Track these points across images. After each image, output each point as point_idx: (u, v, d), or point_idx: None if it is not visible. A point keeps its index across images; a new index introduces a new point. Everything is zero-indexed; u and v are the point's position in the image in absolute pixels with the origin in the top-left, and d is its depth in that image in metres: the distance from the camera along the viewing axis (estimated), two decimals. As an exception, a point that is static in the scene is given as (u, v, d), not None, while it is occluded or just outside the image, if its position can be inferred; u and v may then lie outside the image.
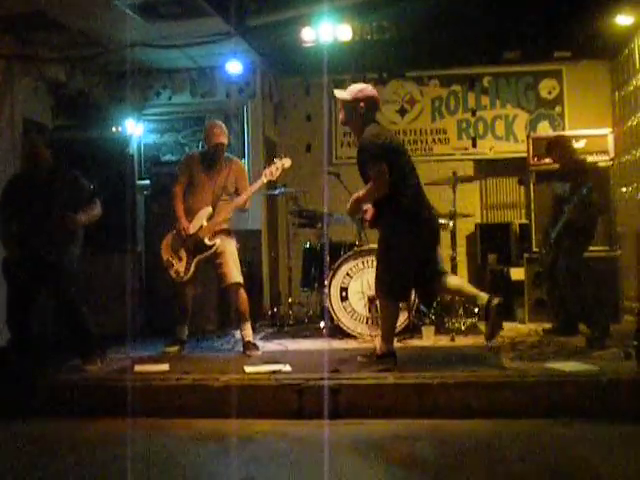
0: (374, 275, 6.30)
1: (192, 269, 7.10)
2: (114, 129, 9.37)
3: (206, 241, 7.05)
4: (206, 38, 8.57)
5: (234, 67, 9.48)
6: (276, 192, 8.78)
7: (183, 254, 7.12)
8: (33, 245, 6.35)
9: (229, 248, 7.16)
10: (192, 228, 7.07)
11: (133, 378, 5.90)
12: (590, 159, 8.18)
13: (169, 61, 9.63)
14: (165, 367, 6.25)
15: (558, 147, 7.64)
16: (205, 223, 7.07)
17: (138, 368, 6.23)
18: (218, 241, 7.07)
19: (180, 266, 7.12)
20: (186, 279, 7.13)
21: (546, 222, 7.66)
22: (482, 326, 8.07)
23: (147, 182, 9.54)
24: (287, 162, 7.21)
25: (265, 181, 7.16)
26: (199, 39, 8.60)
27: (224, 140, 7.22)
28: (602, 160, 8.63)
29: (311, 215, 8.79)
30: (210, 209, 7.10)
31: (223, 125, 7.33)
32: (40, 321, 6.80)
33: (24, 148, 6.96)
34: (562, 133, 9.57)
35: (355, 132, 6.39)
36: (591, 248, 7.53)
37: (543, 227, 7.82)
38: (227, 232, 7.23)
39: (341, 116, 6.36)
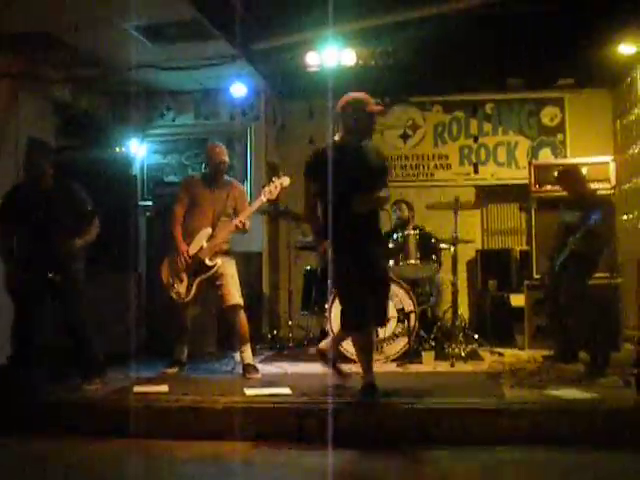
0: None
1: (193, 290, 7.09)
2: (118, 149, 9.42)
3: (207, 262, 7.05)
4: (211, 61, 8.63)
5: (238, 90, 9.53)
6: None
7: (184, 275, 7.11)
8: (37, 262, 6.37)
9: (229, 269, 7.16)
10: (192, 249, 7.08)
11: (132, 399, 5.89)
12: (592, 187, 8.18)
13: (174, 83, 9.69)
14: (164, 388, 6.24)
15: (569, 177, 7.65)
16: (205, 244, 7.08)
17: (137, 389, 6.22)
18: (219, 261, 7.08)
19: (181, 287, 7.11)
20: (187, 300, 7.13)
21: (550, 248, 7.66)
22: (482, 352, 8.13)
23: (149, 203, 9.57)
24: (286, 181, 7.22)
25: (265, 200, 7.16)
26: (204, 62, 8.66)
27: (226, 158, 7.28)
28: (604, 188, 8.65)
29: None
30: (209, 230, 7.11)
31: (224, 146, 7.41)
32: (41, 339, 6.79)
33: (27, 161, 6.95)
34: (565, 161, 9.61)
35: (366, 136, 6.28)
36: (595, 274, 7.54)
37: (547, 253, 7.82)
38: (227, 253, 7.24)
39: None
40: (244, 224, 7.10)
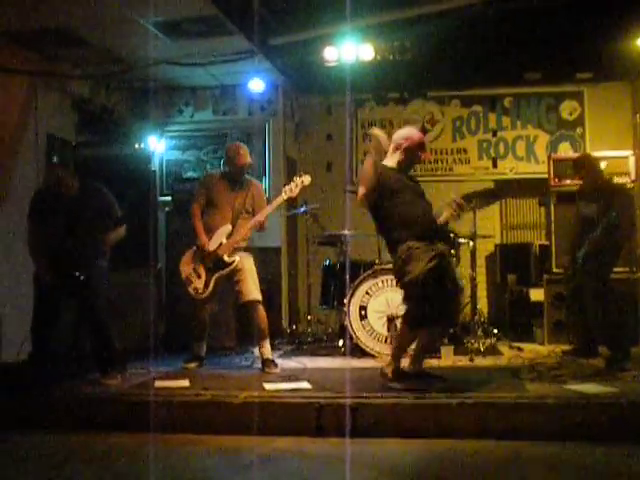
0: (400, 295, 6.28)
1: (211, 286, 7.12)
2: (137, 146, 9.44)
3: (225, 258, 7.07)
4: (229, 56, 8.65)
5: (256, 85, 9.54)
6: (301, 210, 8.88)
7: (202, 271, 7.14)
8: (62, 261, 6.41)
9: (248, 265, 7.18)
10: (212, 245, 7.11)
11: (152, 393, 5.92)
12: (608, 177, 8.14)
13: (192, 79, 9.71)
14: (185, 383, 6.27)
15: (586, 166, 7.61)
16: (224, 240, 7.10)
17: (159, 384, 6.25)
18: (237, 258, 7.10)
19: (199, 283, 7.14)
20: (205, 296, 7.16)
21: (571, 242, 7.64)
22: (501, 347, 8.12)
23: (168, 199, 9.59)
24: (307, 179, 7.24)
25: (285, 198, 7.19)
26: (222, 57, 8.68)
27: (250, 160, 7.34)
28: (623, 182, 8.60)
29: (333, 237, 8.81)
30: (229, 226, 7.13)
31: (246, 146, 7.44)
32: (62, 334, 6.84)
33: (49, 179, 7.02)
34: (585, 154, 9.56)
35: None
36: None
37: (568, 247, 7.80)
38: (245, 249, 7.27)
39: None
40: (262, 223, 7.12)
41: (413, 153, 6.19)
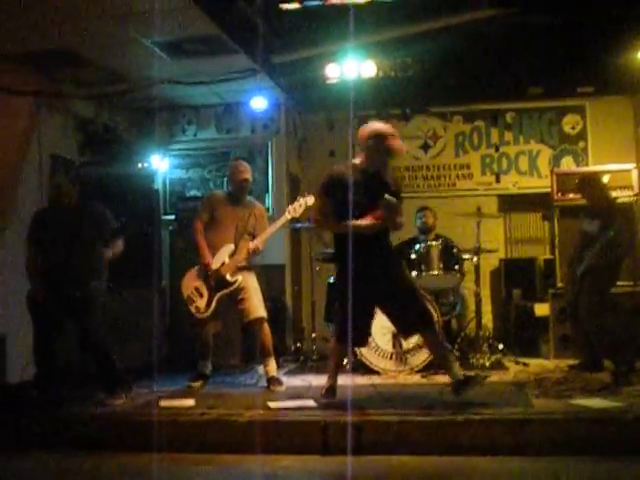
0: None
1: (213, 305, 7.13)
2: (140, 165, 9.47)
3: (228, 277, 7.08)
4: (231, 75, 8.66)
5: (259, 103, 9.56)
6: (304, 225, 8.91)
7: (204, 290, 7.15)
8: (59, 280, 6.42)
9: (251, 283, 7.20)
10: (214, 265, 7.12)
11: (158, 413, 5.91)
12: (614, 194, 8.15)
13: (195, 97, 9.74)
14: (191, 402, 6.25)
15: (589, 185, 7.63)
16: (227, 260, 7.11)
17: (164, 403, 6.24)
18: (240, 277, 7.11)
19: (201, 302, 7.15)
20: (207, 315, 7.17)
21: (571, 258, 7.65)
22: (507, 362, 8.11)
23: (172, 217, 9.61)
24: (310, 200, 7.23)
25: (289, 218, 7.21)
26: (225, 76, 8.70)
27: (249, 177, 7.34)
28: (626, 195, 8.62)
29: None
30: (232, 246, 7.15)
31: (247, 164, 7.47)
32: (66, 355, 6.84)
33: (51, 191, 7.07)
34: (587, 169, 9.57)
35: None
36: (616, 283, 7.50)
37: (568, 262, 7.81)
38: (248, 268, 7.28)
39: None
40: (257, 248, 7.13)
41: (375, 150, 6.20)
